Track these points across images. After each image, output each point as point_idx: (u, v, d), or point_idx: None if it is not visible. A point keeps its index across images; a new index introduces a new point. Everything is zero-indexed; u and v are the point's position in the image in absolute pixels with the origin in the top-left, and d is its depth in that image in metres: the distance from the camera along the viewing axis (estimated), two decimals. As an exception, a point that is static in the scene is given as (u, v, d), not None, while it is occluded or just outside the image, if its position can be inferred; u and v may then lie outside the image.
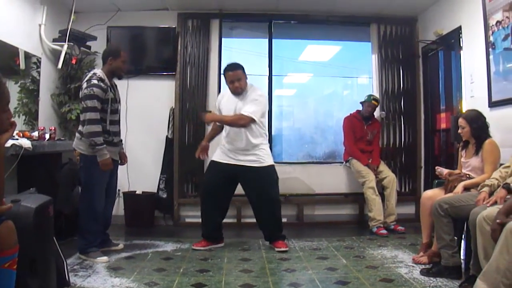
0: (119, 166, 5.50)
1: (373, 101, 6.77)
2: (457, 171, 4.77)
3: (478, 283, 3.11)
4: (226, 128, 5.49)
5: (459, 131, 4.67)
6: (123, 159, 5.50)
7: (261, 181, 5.43)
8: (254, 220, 5.97)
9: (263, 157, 5.41)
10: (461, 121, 4.64)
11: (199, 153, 5.69)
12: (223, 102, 5.60)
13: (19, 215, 2.84)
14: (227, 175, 5.45)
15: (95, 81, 4.85)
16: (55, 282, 3.41)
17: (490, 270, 3.03)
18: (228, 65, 5.54)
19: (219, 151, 5.55)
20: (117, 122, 5.24)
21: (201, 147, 5.69)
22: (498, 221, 3.17)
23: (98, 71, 5.00)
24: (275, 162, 7.08)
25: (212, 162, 5.59)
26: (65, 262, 3.76)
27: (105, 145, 4.85)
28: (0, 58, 5.30)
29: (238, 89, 5.41)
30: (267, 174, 5.44)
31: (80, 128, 4.97)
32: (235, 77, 5.38)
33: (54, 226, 3.46)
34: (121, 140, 5.44)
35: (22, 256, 2.69)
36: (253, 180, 5.44)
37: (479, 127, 4.52)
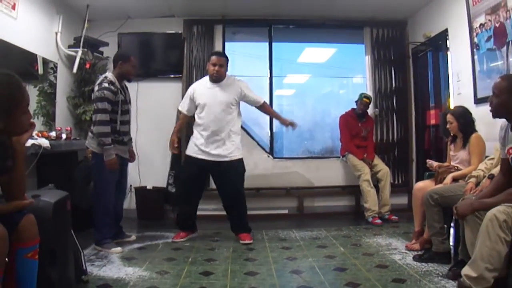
0: (130, 163, 5.53)
1: (364, 99, 6.77)
2: (446, 164, 4.81)
3: (466, 269, 3.13)
4: (203, 117, 5.41)
5: (447, 126, 4.69)
6: (131, 156, 5.53)
7: (227, 173, 5.38)
8: (258, 212, 6.03)
9: (233, 151, 5.35)
10: (449, 117, 4.67)
11: (172, 149, 5.66)
12: (198, 92, 5.50)
13: (39, 209, 2.85)
14: (200, 169, 5.43)
15: (105, 84, 4.87)
16: (73, 271, 3.43)
17: (476, 258, 3.05)
18: (215, 51, 5.57)
19: (192, 144, 5.48)
20: (127, 122, 5.26)
21: (172, 143, 5.61)
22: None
23: (109, 75, 5.02)
24: (276, 158, 7.18)
25: (187, 156, 5.56)
26: (82, 253, 3.77)
27: (112, 145, 4.87)
28: (20, 64, 5.32)
29: (216, 73, 5.35)
30: (233, 167, 5.37)
31: (92, 127, 5.00)
32: (218, 61, 5.34)
33: (71, 219, 3.48)
34: (131, 139, 5.46)
35: (43, 247, 2.71)
36: (221, 173, 5.43)
37: (465, 122, 4.55)
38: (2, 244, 2.31)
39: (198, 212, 5.76)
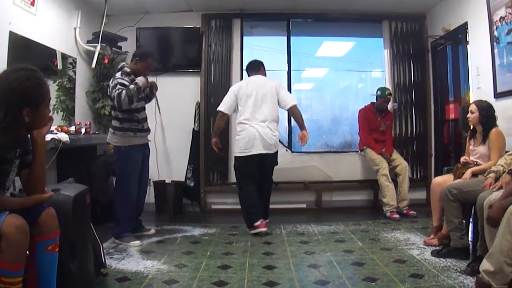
0: (149, 160, 5.57)
1: (388, 96, 6.75)
2: (464, 158, 4.77)
3: (484, 264, 3.13)
4: None
5: (468, 115, 4.63)
6: (154, 88, 5.44)
7: None
8: (276, 206, 6.09)
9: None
10: (472, 106, 4.61)
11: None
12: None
13: (59, 203, 2.89)
14: None
15: (118, 74, 4.98)
16: (92, 264, 3.46)
17: (495, 251, 3.04)
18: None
19: None
20: (143, 109, 5.30)
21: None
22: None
23: (126, 67, 5.09)
24: (294, 152, 7.18)
25: None
26: (101, 246, 3.81)
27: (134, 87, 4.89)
28: (40, 60, 5.40)
29: None
30: None
31: (112, 123, 5.05)
32: None
33: (91, 213, 3.52)
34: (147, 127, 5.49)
35: (63, 240, 2.75)
36: None
37: (487, 115, 4.48)
38: (23, 237, 2.35)
39: (218, 206, 5.83)
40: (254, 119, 5.57)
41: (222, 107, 5.78)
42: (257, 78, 5.82)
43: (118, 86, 4.81)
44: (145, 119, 5.28)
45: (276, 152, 5.76)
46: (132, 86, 4.82)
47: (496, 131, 4.42)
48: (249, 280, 3.76)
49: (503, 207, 3.15)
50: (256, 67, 5.93)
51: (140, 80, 4.92)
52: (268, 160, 5.66)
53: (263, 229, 5.43)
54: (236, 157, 5.70)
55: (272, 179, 5.93)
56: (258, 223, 5.45)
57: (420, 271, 3.88)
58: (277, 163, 5.87)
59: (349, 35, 8.12)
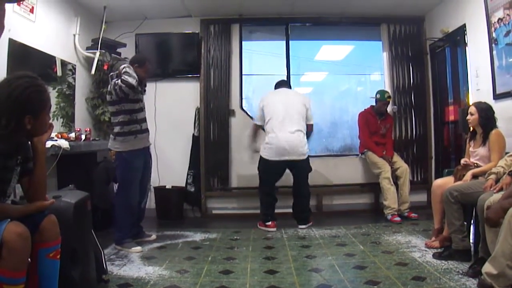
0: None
1: (387, 99, 6.76)
2: (464, 160, 4.76)
3: (486, 266, 3.12)
4: None
5: (468, 117, 4.62)
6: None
7: None
8: (277, 210, 6.11)
9: None
10: (471, 108, 4.61)
11: None
12: None
13: (60, 210, 2.89)
14: None
15: (115, 79, 5.00)
16: (94, 271, 3.46)
17: (497, 255, 3.04)
18: None
19: None
20: (141, 110, 5.26)
21: None
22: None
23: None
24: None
25: None
26: (102, 252, 3.81)
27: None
28: (39, 67, 5.40)
29: None
30: None
31: (114, 129, 5.06)
32: None
33: (92, 219, 3.52)
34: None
35: (64, 247, 2.75)
36: None
37: (487, 117, 4.48)
38: (24, 245, 2.35)
39: (219, 211, 5.84)
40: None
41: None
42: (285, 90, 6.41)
43: (115, 81, 4.96)
44: (144, 119, 5.27)
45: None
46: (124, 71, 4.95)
47: (496, 132, 4.42)
48: (250, 285, 3.76)
49: (504, 208, 3.15)
50: (284, 83, 6.52)
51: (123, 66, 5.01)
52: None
53: (273, 229, 5.88)
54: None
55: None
56: (270, 222, 5.88)
57: (422, 274, 3.87)
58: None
59: (347, 38, 8.12)
